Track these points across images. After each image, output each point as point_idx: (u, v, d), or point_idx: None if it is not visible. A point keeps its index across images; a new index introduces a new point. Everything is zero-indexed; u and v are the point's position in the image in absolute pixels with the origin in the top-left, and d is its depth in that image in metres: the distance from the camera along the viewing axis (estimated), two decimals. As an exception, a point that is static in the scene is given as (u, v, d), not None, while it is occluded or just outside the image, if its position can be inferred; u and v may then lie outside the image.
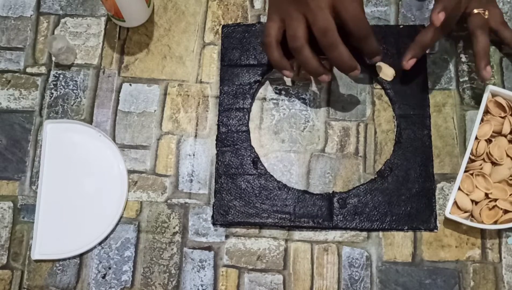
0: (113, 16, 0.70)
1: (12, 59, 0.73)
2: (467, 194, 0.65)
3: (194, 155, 0.69)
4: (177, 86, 0.71)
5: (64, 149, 0.69)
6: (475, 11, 0.66)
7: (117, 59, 0.72)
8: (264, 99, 0.71)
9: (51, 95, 0.71)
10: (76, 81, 0.71)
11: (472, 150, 0.66)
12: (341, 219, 0.65)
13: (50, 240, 0.65)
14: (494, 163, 0.65)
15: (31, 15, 0.74)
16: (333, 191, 0.67)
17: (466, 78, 0.71)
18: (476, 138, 0.66)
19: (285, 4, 0.62)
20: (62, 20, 0.74)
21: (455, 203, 0.65)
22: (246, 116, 0.69)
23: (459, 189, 0.65)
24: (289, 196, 0.66)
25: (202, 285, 0.65)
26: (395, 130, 0.69)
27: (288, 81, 0.70)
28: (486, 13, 0.66)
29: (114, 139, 0.69)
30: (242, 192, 0.67)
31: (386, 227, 0.65)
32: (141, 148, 0.69)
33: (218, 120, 0.69)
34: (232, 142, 0.68)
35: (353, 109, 0.70)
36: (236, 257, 0.65)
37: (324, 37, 0.60)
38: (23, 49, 0.73)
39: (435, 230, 0.65)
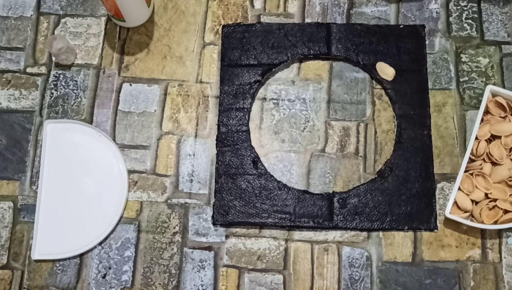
0: (113, 16, 0.70)
1: (12, 59, 0.73)
2: (467, 194, 0.65)
3: (194, 155, 0.69)
4: (177, 86, 0.71)
5: (64, 149, 0.69)
6: None
7: (117, 59, 0.72)
8: (264, 99, 0.71)
9: (51, 95, 0.71)
10: (76, 81, 0.71)
11: (472, 150, 0.66)
12: (341, 219, 0.65)
13: (50, 240, 0.65)
14: (494, 163, 0.65)
15: (31, 15, 0.74)
16: (333, 191, 0.67)
17: (466, 78, 0.71)
18: (476, 138, 0.66)
19: None
20: (62, 20, 0.74)
21: (455, 203, 0.65)
22: (246, 116, 0.69)
23: (459, 189, 0.65)
24: (289, 196, 0.66)
25: (202, 285, 0.65)
26: (395, 130, 0.69)
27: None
28: None
29: (114, 139, 0.69)
30: (242, 192, 0.67)
31: (386, 227, 0.65)
32: (141, 148, 0.69)
33: (218, 120, 0.69)
34: (232, 142, 0.68)
35: (353, 109, 0.70)
36: (236, 257, 0.65)
37: None
38: (23, 49, 0.73)
39: (435, 230, 0.66)
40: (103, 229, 0.66)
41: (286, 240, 0.66)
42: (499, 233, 0.65)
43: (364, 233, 0.66)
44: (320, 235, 0.66)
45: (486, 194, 0.65)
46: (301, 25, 0.72)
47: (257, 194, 0.66)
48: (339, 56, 0.71)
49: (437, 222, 0.66)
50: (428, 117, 0.69)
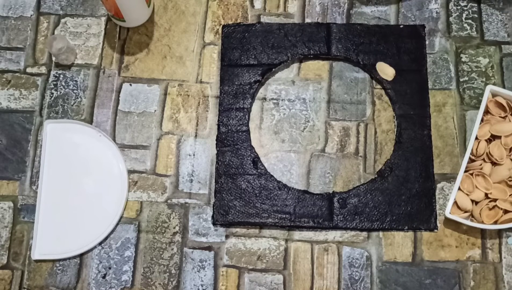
0: (113, 16, 0.70)
1: (12, 59, 0.73)
2: (467, 194, 0.65)
3: (194, 155, 0.69)
4: (177, 86, 0.71)
5: (64, 149, 0.69)
6: None
7: (117, 59, 0.72)
8: (264, 99, 0.71)
9: (51, 95, 0.71)
10: (76, 81, 0.71)
11: (472, 150, 0.66)
12: (341, 219, 0.65)
13: (50, 240, 0.65)
14: (494, 163, 0.65)
15: (31, 15, 0.74)
16: (333, 191, 0.67)
17: (466, 78, 0.71)
18: (476, 138, 0.66)
19: None
20: (62, 20, 0.74)
21: (455, 203, 0.65)
22: (246, 116, 0.69)
23: (459, 189, 0.65)
24: (289, 196, 0.66)
25: (202, 285, 0.65)
26: (395, 130, 0.69)
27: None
28: None
29: (114, 139, 0.69)
30: (242, 192, 0.67)
31: (386, 227, 0.65)
32: (141, 148, 0.69)
33: (218, 120, 0.69)
34: (232, 142, 0.68)
35: (353, 109, 0.70)
36: (236, 257, 0.65)
37: None
38: (23, 49, 0.73)
39: (435, 230, 0.66)
40: (103, 229, 0.66)
41: (286, 240, 0.66)
42: (499, 233, 0.65)
43: (364, 233, 0.66)
44: (320, 235, 0.66)
45: (486, 194, 0.65)
46: (301, 25, 0.72)
47: (257, 194, 0.66)
48: (339, 56, 0.71)
49: (437, 222, 0.66)
50: (428, 117, 0.69)
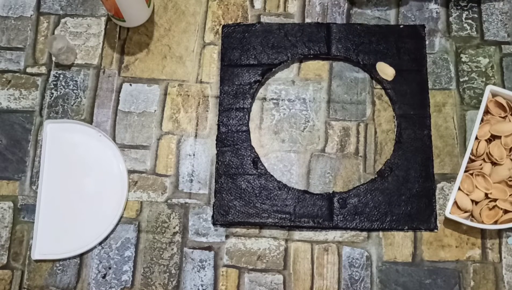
0: (113, 16, 0.70)
1: (12, 59, 0.73)
2: (467, 194, 0.65)
3: (194, 155, 0.69)
4: (177, 86, 0.71)
5: (64, 149, 0.69)
6: None
7: (117, 59, 0.72)
8: (264, 99, 0.71)
9: (51, 95, 0.71)
10: (76, 81, 0.71)
11: (472, 150, 0.66)
12: (341, 219, 0.65)
13: (50, 240, 0.65)
14: (494, 163, 0.65)
15: (31, 15, 0.74)
16: (333, 191, 0.67)
17: (466, 78, 0.71)
18: (476, 138, 0.66)
19: None
20: (62, 20, 0.74)
21: (455, 203, 0.65)
22: (246, 116, 0.69)
23: (459, 189, 0.65)
24: (289, 196, 0.66)
25: (202, 285, 0.65)
26: (395, 130, 0.69)
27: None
28: None
29: (114, 139, 0.69)
30: (242, 192, 0.67)
31: (386, 227, 0.65)
32: (141, 148, 0.69)
33: (218, 120, 0.69)
34: (232, 142, 0.68)
35: (353, 109, 0.70)
36: (236, 257, 0.65)
37: None
38: (23, 49, 0.73)
39: (435, 230, 0.66)
40: (103, 229, 0.65)
41: (286, 240, 0.66)
42: (499, 233, 0.65)
43: (364, 233, 0.66)
44: (320, 235, 0.66)
45: (486, 194, 0.65)
46: (301, 25, 0.72)
47: (257, 194, 0.66)
48: (339, 56, 0.71)
49: (437, 222, 0.66)
50: (428, 117, 0.69)
